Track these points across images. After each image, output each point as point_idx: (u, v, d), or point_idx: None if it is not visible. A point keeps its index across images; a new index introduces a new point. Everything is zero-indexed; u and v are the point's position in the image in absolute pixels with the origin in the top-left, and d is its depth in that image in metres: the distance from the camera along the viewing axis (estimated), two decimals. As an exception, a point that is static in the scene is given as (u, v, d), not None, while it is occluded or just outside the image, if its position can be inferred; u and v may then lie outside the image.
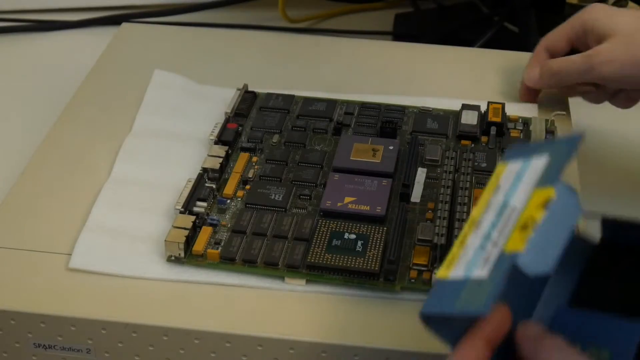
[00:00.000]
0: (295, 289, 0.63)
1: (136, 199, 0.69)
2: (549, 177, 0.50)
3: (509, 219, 0.51)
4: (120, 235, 0.66)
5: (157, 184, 0.71)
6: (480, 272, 0.50)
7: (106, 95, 0.81)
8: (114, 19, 1.01)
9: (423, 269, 0.62)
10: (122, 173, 0.72)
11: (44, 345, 0.63)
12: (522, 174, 0.52)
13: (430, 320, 0.51)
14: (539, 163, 0.52)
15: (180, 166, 0.72)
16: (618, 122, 0.83)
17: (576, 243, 0.55)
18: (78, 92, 0.82)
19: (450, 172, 0.68)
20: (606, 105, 0.79)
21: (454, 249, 0.53)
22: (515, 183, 0.52)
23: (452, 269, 0.52)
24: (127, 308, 0.62)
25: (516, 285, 0.52)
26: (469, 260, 0.51)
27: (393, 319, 0.61)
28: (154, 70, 0.82)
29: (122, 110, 0.79)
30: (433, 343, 0.59)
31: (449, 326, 0.51)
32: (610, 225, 0.55)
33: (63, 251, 0.66)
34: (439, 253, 0.61)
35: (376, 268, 0.62)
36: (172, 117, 0.78)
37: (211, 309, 0.62)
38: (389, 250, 0.62)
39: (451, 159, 0.70)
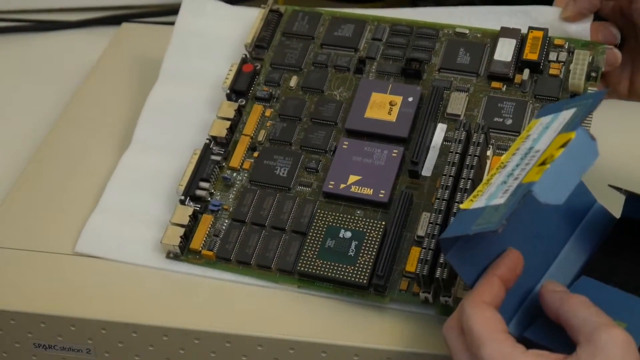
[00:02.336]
0: (292, 289, 0.63)
1: (150, 173, 0.70)
2: (571, 125, 0.53)
3: (531, 159, 0.53)
4: (128, 220, 0.67)
5: (173, 150, 0.71)
6: (499, 200, 0.52)
7: (106, 95, 0.81)
8: (114, 19, 1.00)
9: (414, 277, 0.60)
10: (142, 140, 0.72)
11: (44, 345, 0.63)
12: (551, 124, 0.55)
13: (449, 250, 0.53)
14: (567, 114, 0.55)
15: (199, 125, 0.71)
16: (620, 121, 0.83)
17: (598, 216, 0.59)
18: (78, 92, 0.82)
19: (454, 165, 0.62)
20: (608, 106, 0.78)
21: (480, 187, 0.55)
22: (543, 131, 0.55)
23: (475, 202, 0.54)
24: (127, 308, 0.62)
25: (530, 239, 0.55)
26: (491, 193, 0.53)
27: (392, 320, 0.61)
28: (154, 70, 0.82)
29: (122, 110, 0.79)
30: (432, 343, 0.59)
31: (467, 259, 0.53)
32: (633, 202, 0.57)
33: (63, 251, 0.66)
34: (423, 281, 0.59)
35: (365, 281, 0.61)
36: (199, 59, 0.77)
37: (211, 309, 0.62)
38: (380, 260, 0.61)
39: (459, 143, 0.62)
